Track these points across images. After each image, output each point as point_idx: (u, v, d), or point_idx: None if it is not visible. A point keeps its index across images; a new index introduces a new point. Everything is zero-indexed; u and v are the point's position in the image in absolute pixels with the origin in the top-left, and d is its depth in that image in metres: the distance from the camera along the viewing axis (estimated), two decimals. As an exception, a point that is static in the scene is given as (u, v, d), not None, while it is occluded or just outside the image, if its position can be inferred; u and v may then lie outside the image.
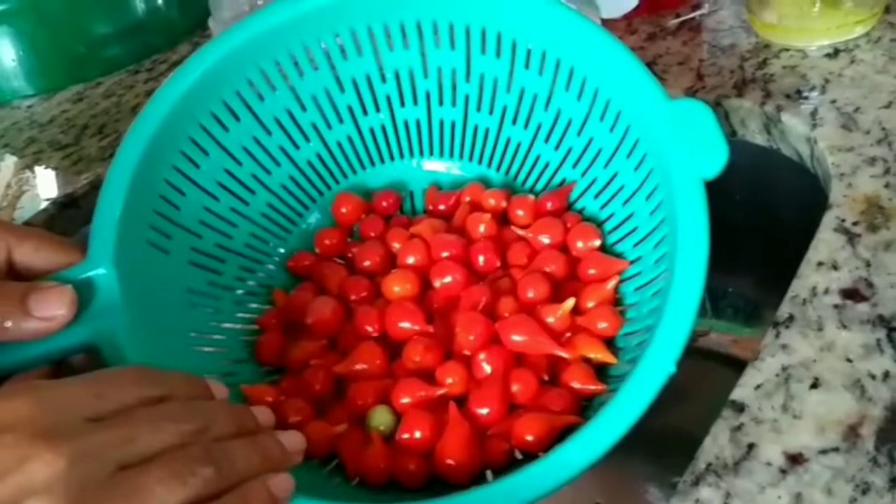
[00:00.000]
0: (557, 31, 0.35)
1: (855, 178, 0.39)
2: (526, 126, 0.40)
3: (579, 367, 0.34)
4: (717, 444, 0.29)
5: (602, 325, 0.35)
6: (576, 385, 0.33)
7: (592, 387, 0.33)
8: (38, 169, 0.58)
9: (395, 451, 0.33)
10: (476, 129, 0.42)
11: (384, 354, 0.36)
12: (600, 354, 0.34)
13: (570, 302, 0.35)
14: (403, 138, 0.43)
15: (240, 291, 0.40)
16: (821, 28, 0.49)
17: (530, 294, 0.36)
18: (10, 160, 0.61)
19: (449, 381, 0.34)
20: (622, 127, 0.35)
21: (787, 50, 0.50)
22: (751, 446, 0.29)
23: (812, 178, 0.43)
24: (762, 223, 0.50)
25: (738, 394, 0.30)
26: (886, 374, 0.30)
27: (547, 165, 0.41)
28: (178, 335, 0.36)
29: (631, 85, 0.33)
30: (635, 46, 0.54)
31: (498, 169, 0.43)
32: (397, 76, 0.41)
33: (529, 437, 0.32)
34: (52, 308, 0.32)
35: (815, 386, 0.30)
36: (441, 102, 0.42)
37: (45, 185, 0.56)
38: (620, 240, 0.37)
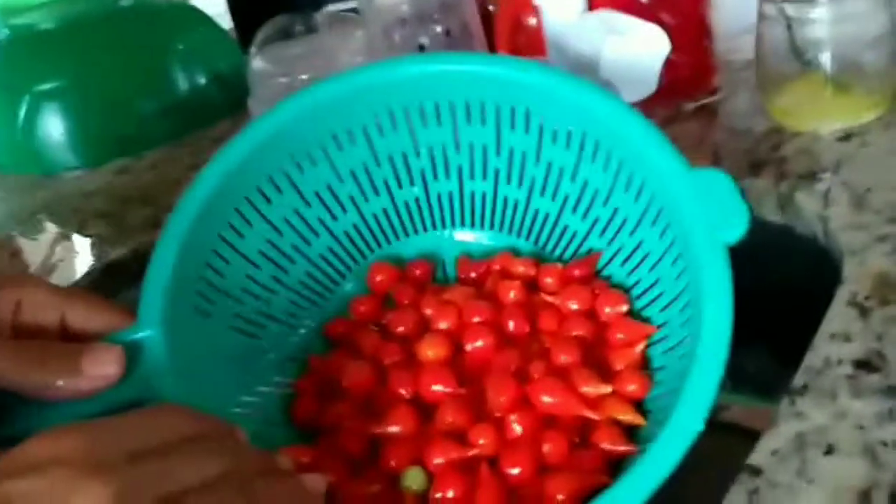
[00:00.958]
0: (582, 107, 0.38)
1: (866, 256, 0.40)
2: (553, 197, 0.42)
3: (609, 428, 0.34)
4: (734, 506, 0.29)
5: (631, 388, 0.36)
6: (606, 446, 0.34)
7: (622, 447, 0.34)
8: (80, 237, 0.61)
9: (429, 511, 0.33)
10: (506, 200, 0.44)
11: (417, 416, 0.37)
12: (629, 416, 0.35)
13: (608, 388, 0.35)
14: (436, 210, 0.45)
15: (278, 356, 0.42)
16: (833, 113, 0.52)
17: (562, 358, 0.37)
18: (52, 228, 0.64)
19: (481, 441, 0.35)
20: (646, 196, 0.37)
21: (801, 133, 0.52)
22: (766, 510, 0.29)
23: (825, 255, 0.44)
24: (777, 298, 0.51)
25: (755, 458, 0.31)
26: (897, 442, 0.31)
27: (574, 234, 0.42)
28: (218, 396, 0.37)
29: (653, 156, 0.35)
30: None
31: (527, 238, 0.44)
32: (431, 151, 0.43)
33: (560, 497, 0.32)
34: (102, 367, 0.33)
35: (829, 452, 0.31)
36: (472, 176, 0.44)
37: (87, 252, 0.59)
38: (647, 305, 0.39)
